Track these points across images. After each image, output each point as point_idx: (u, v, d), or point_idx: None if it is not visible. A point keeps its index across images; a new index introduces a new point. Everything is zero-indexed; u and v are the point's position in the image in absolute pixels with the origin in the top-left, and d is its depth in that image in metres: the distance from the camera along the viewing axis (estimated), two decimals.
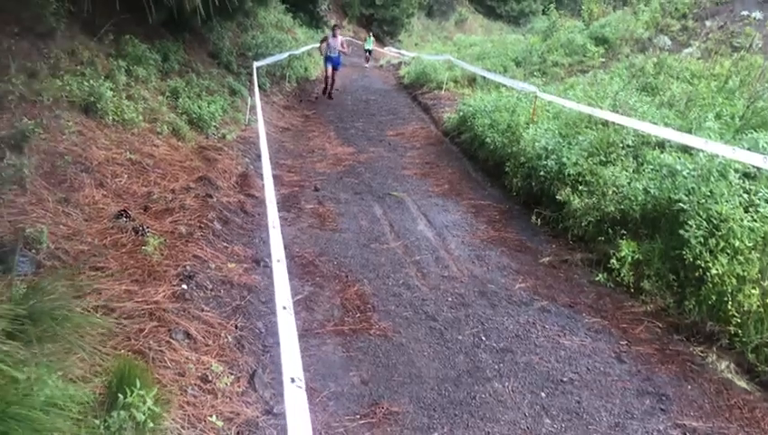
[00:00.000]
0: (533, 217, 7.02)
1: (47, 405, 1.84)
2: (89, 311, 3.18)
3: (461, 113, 11.47)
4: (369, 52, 30.93)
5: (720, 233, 4.73)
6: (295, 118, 13.35)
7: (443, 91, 16.37)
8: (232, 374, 3.52)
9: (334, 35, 16.36)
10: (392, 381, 3.94)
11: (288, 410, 1.75)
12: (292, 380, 1.71)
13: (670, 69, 10.35)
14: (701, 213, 4.95)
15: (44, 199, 4.74)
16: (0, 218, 4.20)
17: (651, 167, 6.02)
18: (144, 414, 2.44)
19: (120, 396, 2.44)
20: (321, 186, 8.14)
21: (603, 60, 14.02)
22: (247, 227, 6.12)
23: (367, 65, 29.67)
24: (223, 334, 3.90)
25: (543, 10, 47.42)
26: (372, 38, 32.13)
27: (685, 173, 5.49)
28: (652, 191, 5.65)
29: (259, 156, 8.74)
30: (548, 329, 4.72)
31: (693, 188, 5.26)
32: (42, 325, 1.85)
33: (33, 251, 4.02)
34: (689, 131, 6.38)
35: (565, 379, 4.09)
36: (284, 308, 2.24)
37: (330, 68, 16.34)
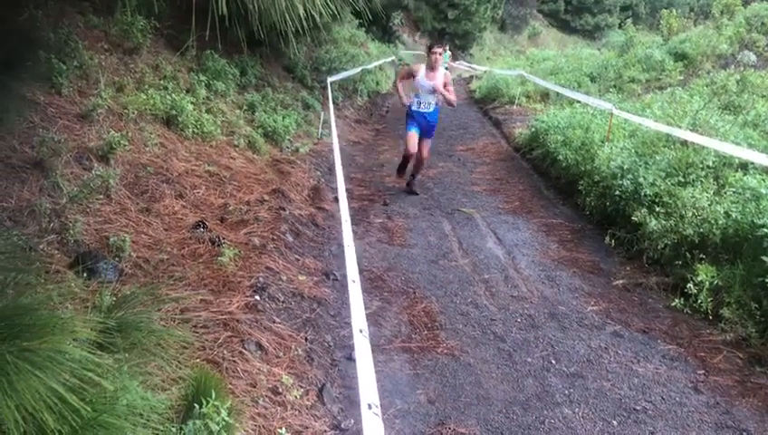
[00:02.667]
0: (607, 238, 6.85)
1: (129, 413, 1.91)
2: (169, 322, 3.29)
3: (533, 129, 11.34)
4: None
5: None
6: (366, 132, 13.50)
7: (514, 106, 16.23)
8: (301, 387, 3.57)
9: (432, 67, 8.22)
10: (459, 401, 3.91)
11: None
12: (369, 406, 1.72)
13: (755, 87, 9.95)
14: None
15: (128, 209, 4.96)
16: (87, 226, 4.41)
17: (733, 189, 5.80)
18: (218, 425, 2.51)
19: (196, 406, 2.52)
20: (391, 200, 8.19)
21: (682, 77, 13.59)
22: (318, 240, 6.22)
23: None
24: (293, 347, 3.97)
25: (620, 24, 46.61)
26: (449, 53, 26.34)
27: None
28: (734, 215, 5.43)
29: (330, 169, 8.90)
30: (621, 355, 4.59)
31: None
32: (129, 337, 1.94)
33: (117, 259, 4.21)
34: None
35: (638, 407, 3.96)
36: (361, 331, 2.26)
37: (414, 135, 8.43)
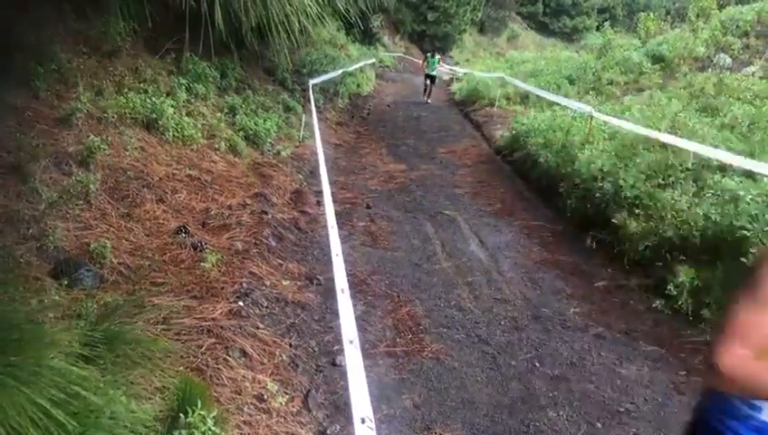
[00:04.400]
0: (588, 240, 6.89)
1: (114, 425, 1.88)
2: (153, 330, 3.25)
3: (514, 132, 11.40)
4: (432, 79, 20.45)
5: None
6: (347, 134, 13.47)
7: (495, 109, 16.30)
8: (287, 394, 3.56)
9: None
10: (445, 405, 3.91)
11: None
12: (363, 420, 1.70)
13: (731, 89, 10.08)
14: (765, 241, 4.80)
15: (108, 214, 4.90)
16: (67, 233, 4.35)
17: (712, 191, 5.87)
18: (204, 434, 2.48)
19: (182, 415, 2.49)
20: (373, 203, 8.18)
21: (660, 80, 13.74)
22: (301, 244, 6.19)
23: (428, 100, 20.47)
24: (277, 353, 3.95)
25: (597, 26, 46.99)
26: (439, 57, 21.72)
27: (748, 199, 5.34)
28: (713, 217, 5.50)
29: (312, 172, 8.87)
30: (604, 356, 4.63)
31: (757, 214, 5.11)
32: (114, 349, 1.91)
33: (98, 265, 4.15)
34: (752, 155, 6.20)
35: (622, 409, 3.99)
36: (351, 342, 2.24)
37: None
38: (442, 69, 23.39)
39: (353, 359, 2.11)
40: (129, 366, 2.23)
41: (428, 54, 21.16)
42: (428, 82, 20.62)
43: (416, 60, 30.71)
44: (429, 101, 20.53)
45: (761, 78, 11.56)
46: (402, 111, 18.14)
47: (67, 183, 4.69)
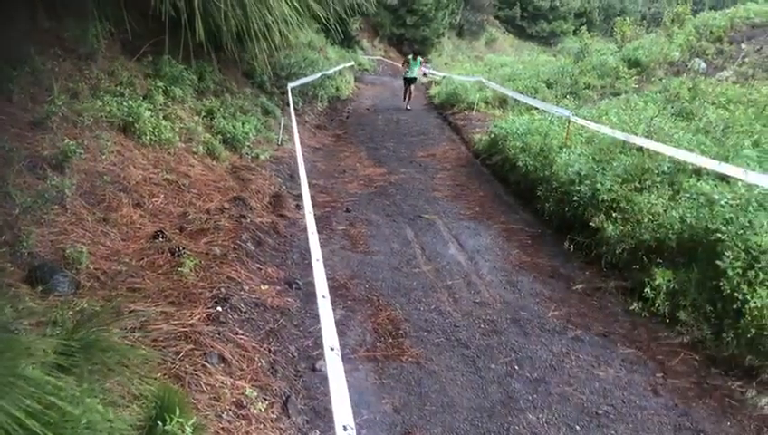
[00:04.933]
0: (566, 243, 6.95)
1: (90, 433, 1.85)
2: (130, 337, 3.21)
3: (492, 135, 11.45)
4: (412, 82, 19.32)
5: (759, 265, 4.64)
6: (327, 138, 13.45)
7: (474, 112, 16.36)
8: (266, 400, 3.53)
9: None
10: (425, 409, 3.91)
11: None
12: (345, 428, 1.69)
13: (705, 94, 10.23)
14: (739, 244, 4.87)
15: (84, 219, 4.84)
16: (42, 238, 4.28)
17: (688, 195, 5.94)
18: None
19: (160, 423, 2.46)
20: (353, 207, 8.17)
21: (636, 85, 13.91)
22: (280, 249, 6.16)
23: (407, 106, 19.28)
24: (257, 358, 3.92)
25: (574, 31, 47.45)
26: (421, 59, 20.17)
27: (722, 202, 5.42)
28: (689, 220, 5.56)
29: (291, 176, 8.85)
30: (582, 359, 4.66)
31: (731, 218, 5.18)
32: (91, 357, 1.88)
33: (73, 271, 4.10)
34: (726, 159, 6.29)
35: (600, 412, 4.02)
36: (332, 349, 2.23)
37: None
38: (422, 72, 21.05)
39: (335, 367, 2.09)
40: (105, 374, 2.19)
41: (409, 57, 19.45)
42: (408, 86, 19.44)
43: (395, 63, 30.72)
44: (409, 107, 19.25)
45: (734, 83, 11.74)
46: (381, 114, 18.15)
47: (42, 187, 4.62)
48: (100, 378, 2.08)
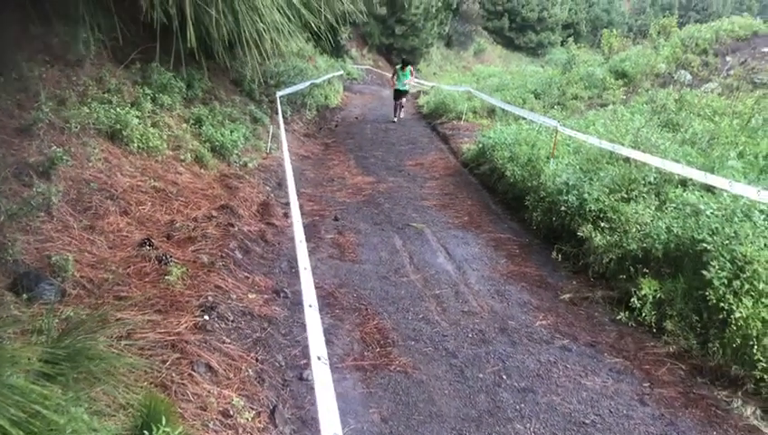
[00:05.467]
0: (554, 253, 6.98)
1: None
2: (116, 345, 3.19)
3: (480, 145, 11.50)
4: (403, 95, 18.15)
5: (745, 275, 4.68)
6: (315, 146, 13.44)
7: (462, 122, 16.43)
8: (253, 409, 3.51)
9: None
10: (412, 419, 3.90)
11: None
12: None
13: (691, 105, 10.34)
14: (725, 254, 4.90)
15: (70, 227, 4.80)
16: (27, 245, 4.25)
17: (674, 205, 5.99)
18: None
19: (146, 433, 2.44)
20: (341, 215, 8.16)
21: (624, 96, 14.03)
22: (268, 257, 6.14)
23: (395, 119, 18.35)
24: (243, 367, 3.90)
25: (562, 42, 47.80)
26: (411, 68, 18.37)
27: (708, 213, 5.46)
28: (675, 230, 5.60)
29: (280, 184, 8.83)
30: (569, 369, 4.67)
31: (717, 228, 5.22)
32: (78, 366, 1.86)
33: (59, 279, 4.06)
34: (712, 170, 6.35)
35: (587, 421, 4.03)
36: (319, 359, 2.21)
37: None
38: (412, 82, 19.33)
39: (323, 378, 2.07)
40: (91, 383, 2.18)
41: (398, 66, 17.98)
42: (399, 100, 17.91)
43: (384, 72, 30.77)
44: (396, 119, 18.15)
45: (719, 95, 11.87)
46: (370, 123, 18.17)
47: (28, 195, 4.58)
48: (86, 387, 2.06)
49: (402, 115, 18.74)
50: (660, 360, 4.89)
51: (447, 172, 11.72)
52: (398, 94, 18.13)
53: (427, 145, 14.57)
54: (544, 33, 53.08)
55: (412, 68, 19.19)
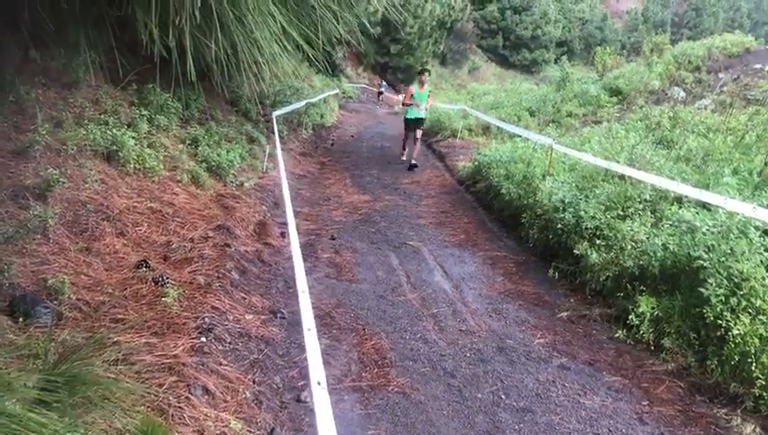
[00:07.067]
0: (551, 271, 6.98)
1: None
2: (113, 369, 3.17)
3: (476, 163, 11.54)
4: (419, 126, 14.40)
5: (742, 292, 4.68)
6: (311, 165, 13.47)
7: (457, 140, 16.51)
8: (250, 432, 3.49)
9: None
10: None
11: None
12: None
13: (685, 122, 10.40)
14: (721, 271, 4.90)
15: (66, 249, 4.79)
16: (23, 268, 4.23)
17: (670, 222, 6.00)
18: None
19: None
20: (338, 235, 8.16)
21: (618, 114, 14.12)
22: (264, 277, 6.13)
23: (405, 157, 15.40)
24: (241, 390, 3.88)
25: (556, 59, 48.20)
26: (429, 89, 14.23)
27: (704, 230, 5.47)
28: (671, 247, 5.61)
29: (276, 204, 8.83)
30: (568, 388, 4.65)
31: (713, 245, 5.23)
32: (74, 391, 1.85)
33: (56, 302, 4.04)
34: (707, 187, 6.37)
35: None
36: (319, 384, 2.20)
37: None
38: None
39: (323, 404, 2.06)
40: (88, 408, 2.16)
41: (413, 85, 13.79)
42: (413, 130, 13.70)
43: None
44: (405, 158, 14.46)
45: (713, 111, 11.95)
46: (366, 141, 18.24)
47: (24, 217, 4.57)
48: (83, 412, 2.05)
49: (415, 156, 13.91)
50: (659, 378, 4.88)
51: (443, 190, 11.75)
52: (411, 124, 13.79)
53: (423, 162, 14.61)
54: (538, 51, 53.55)
55: (429, 89, 14.20)
